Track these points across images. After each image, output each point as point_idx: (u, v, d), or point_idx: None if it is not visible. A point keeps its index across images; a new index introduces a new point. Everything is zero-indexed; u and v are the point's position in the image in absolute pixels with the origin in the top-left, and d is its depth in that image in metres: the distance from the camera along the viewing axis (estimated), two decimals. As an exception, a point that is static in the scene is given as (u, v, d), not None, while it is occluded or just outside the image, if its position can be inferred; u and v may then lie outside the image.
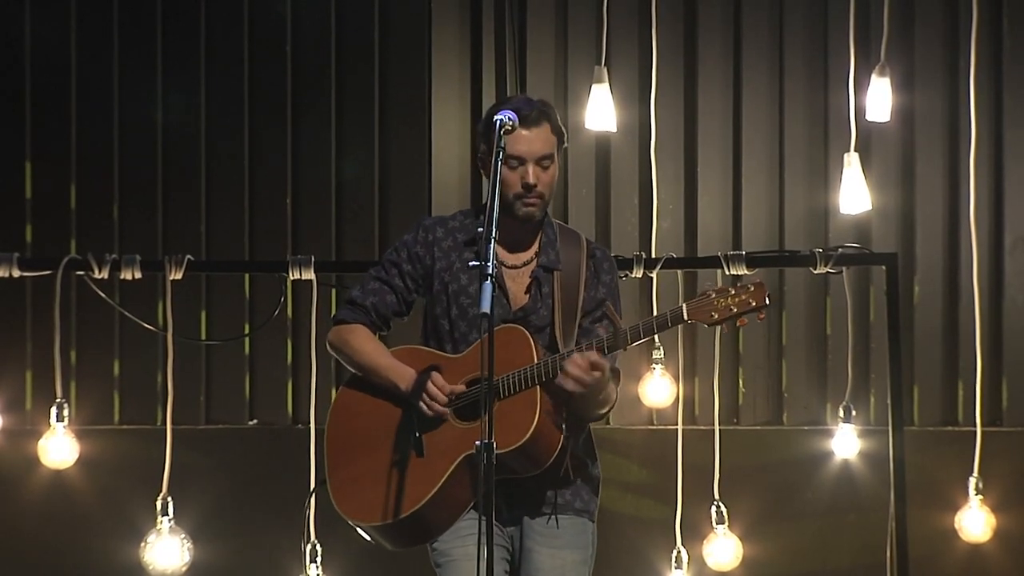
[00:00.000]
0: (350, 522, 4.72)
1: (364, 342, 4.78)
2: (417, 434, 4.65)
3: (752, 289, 4.55)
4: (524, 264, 4.76)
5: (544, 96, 7.10)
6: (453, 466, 4.58)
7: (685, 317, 4.56)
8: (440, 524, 4.66)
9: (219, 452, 6.94)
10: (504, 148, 4.54)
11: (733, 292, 4.56)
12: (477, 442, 4.25)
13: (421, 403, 4.63)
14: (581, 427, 4.74)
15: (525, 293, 4.73)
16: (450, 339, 4.75)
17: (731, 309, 4.54)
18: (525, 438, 4.53)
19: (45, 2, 7.07)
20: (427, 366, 4.69)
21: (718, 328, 4.77)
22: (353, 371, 4.81)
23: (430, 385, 4.63)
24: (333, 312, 7.00)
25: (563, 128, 4.76)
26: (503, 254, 4.73)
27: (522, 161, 4.66)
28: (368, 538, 4.75)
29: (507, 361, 4.58)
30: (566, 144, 4.77)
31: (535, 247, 4.77)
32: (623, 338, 4.57)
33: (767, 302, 4.55)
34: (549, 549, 4.70)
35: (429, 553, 4.76)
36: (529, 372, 4.58)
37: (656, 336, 6.71)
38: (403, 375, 4.69)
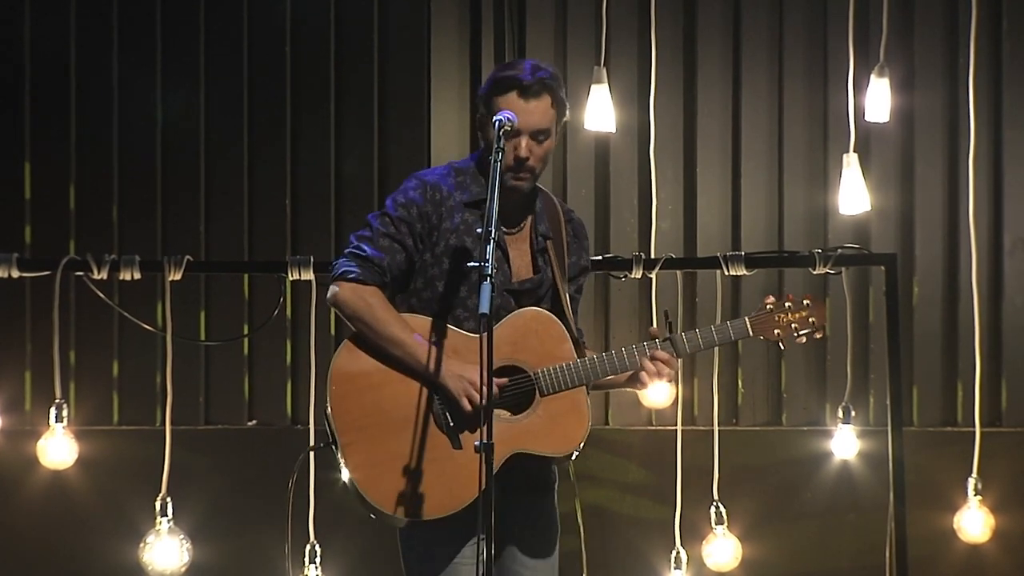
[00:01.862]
0: (376, 507, 4.55)
1: (386, 310, 4.58)
2: (451, 424, 4.55)
3: (811, 306, 4.50)
4: (519, 231, 4.69)
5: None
6: (501, 464, 4.49)
7: (750, 333, 4.54)
8: (470, 515, 4.53)
9: (218, 453, 6.94)
10: (501, 139, 4.46)
11: (791, 306, 4.50)
12: (476, 442, 4.21)
13: (465, 399, 4.51)
14: None
15: (531, 264, 4.67)
16: (443, 301, 4.62)
17: (793, 327, 4.50)
18: (580, 442, 4.52)
19: (45, 2, 7.07)
20: (449, 347, 4.55)
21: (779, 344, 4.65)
22: (364, 334, 4.60)
23: (476, 380, 4.49)
24: (333, 311, 7.04)
25: (566, 101, 4.62)
26: (504, 222, 4.63)
27: (516, 133, 4.54)
28: (374, 517, 4.61)
29: (544, 352, 4.52)
30: (567, 118, 4.65)
31: (532, 215, 4.69)
32: (682, 348, 4.54)
33: (826, 321, 4.52)
34: (536, 528, 4.67)
35: (407, 541, 4.66)
36: (581, 371, 4.52)
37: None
38: (435, 359, 4.53)
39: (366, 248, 4.63)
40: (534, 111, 4.55)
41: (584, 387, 4.54)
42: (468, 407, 4.52)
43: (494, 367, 4.46)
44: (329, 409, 4.60)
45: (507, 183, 4.55)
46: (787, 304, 4.51)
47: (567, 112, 4.65)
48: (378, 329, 4.57)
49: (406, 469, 4.53)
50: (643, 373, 4.55)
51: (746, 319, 4.52)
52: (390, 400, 4.58)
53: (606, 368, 4.54)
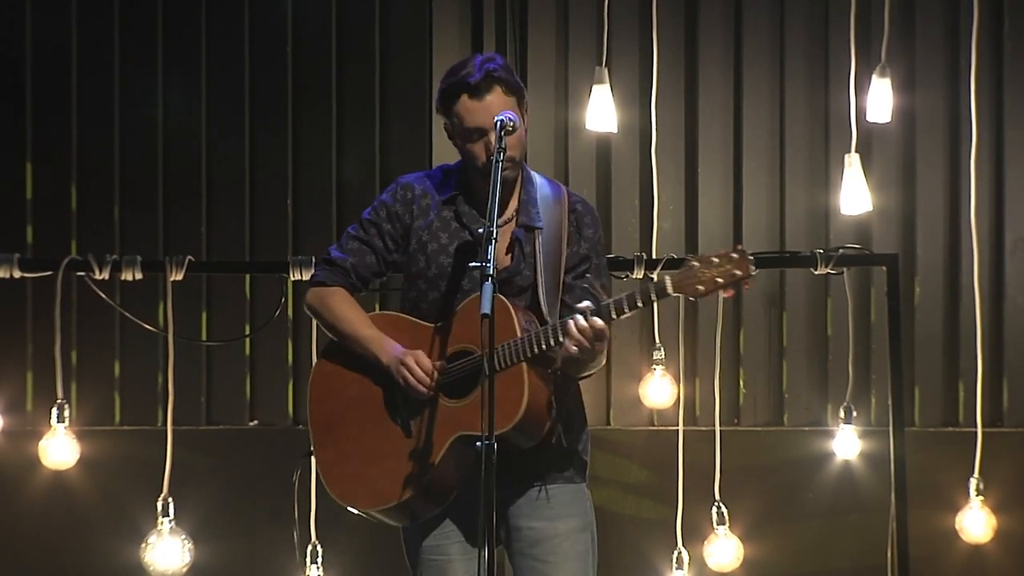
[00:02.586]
0: (338, 501, 4.65)
1: (345, 308, 4.67)
2: (404, 413, 4.58)
3: (736, 258, 4.34)
4: (505, 223, 4.64)
5: (544, 96, 7.14)
6: (444, 448, 4.50)
7: (669, 291, 4.37)
8: (431, 507, 4.59)
9: (220, 453, 6.94)
10: (503, 139, 4.46)
11: (717, 261, 4.34)
12: (477, 443, 4.18)
13: (405, 384, 4.53)
14: (567, 386, 4.63)
15: (506, 254, 4.62)
16: (426, 300, 4.64)
17: (716, 280, 4.33)
18: (519, 416, 4.43)
19: (45, 2, 7.07)
20: (408, 337, 4.58)
21: (713, 301, 4.48)
22: (331, 336, 4.70)
23: (413, 364, 4.52)
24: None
25: (519, 83, 4.60)
26: (483, 214, 4.60)
27: (483, 132, 4.55)
28: (364, 516, 4.67)
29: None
30: (526, 99, 4.62)
31: (514, 205, 4.66)
32: (606, 312, 4.42)
33: (752, 271, 4.35)
34: (541, 522, 4.60)
35: (406, 543, 4.70)
36: (517, 346, 4.45)
37: (657, 336, 6.77)
38: (384, 348, 4.58)
39: (333, 252, 4.73)
40: (489, 107, 4.55)
41: (524, 364, 4.45)
42: (407, 389, 4.53)
43: (447, 353, 4.53)
44: (308, 415, 4.72)
45: (489, 177, 4.51)
46: (714, 259, 4.39)
47: (525, 93, 4.63)
48: (338, 328, 4.67)
49: (362, 463, 4.60)
50: (567, 345, 4.43)
51: (667, 276, 4.38)
52: (356, 398, 4.65)
53: (535, 342, 4.45)
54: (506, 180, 4.55)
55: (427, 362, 4.53)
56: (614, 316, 4.43)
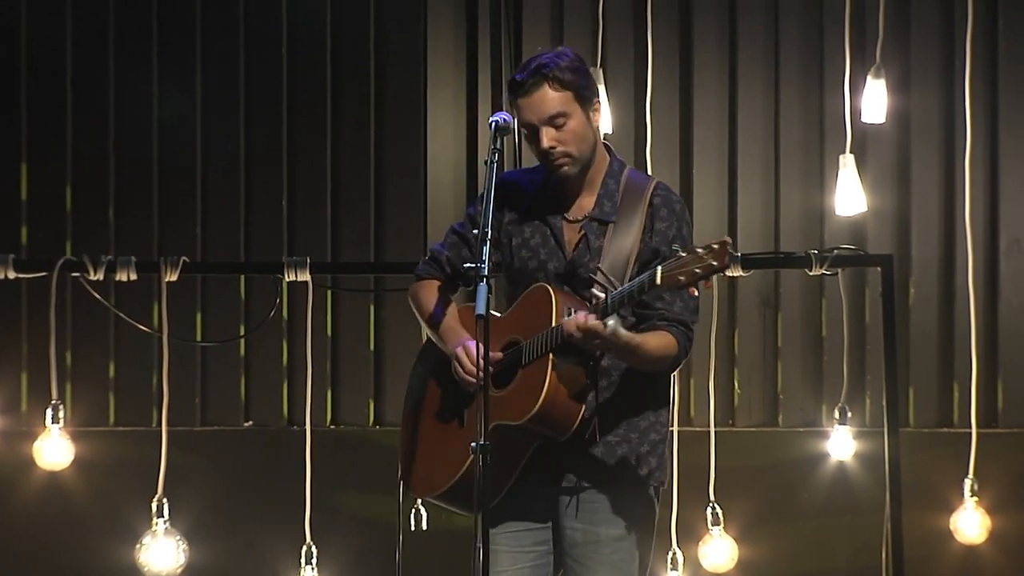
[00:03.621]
0: (411, 495, 4.76)
1: (431, 300, 4.73)
2: (461, 403, 4.63)
3: (716, 249, 4.33)
4: (584, 217, 4.66)
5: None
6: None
7: (658, 282, 4.36)
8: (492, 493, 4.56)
9: (214, 454, 6.94)
10: (496, 139, 4.53)
11: (701, 252, 4.34)
12: (472, 443, 4.21)
13: (455, 374, 4.59)
14: (629, 382, 4.61)
15: (574, 248, 4.64)
16: (512, 293, 4.69)
17: (695, 272, 4.34)
18: (537, 405, 4.43)
19: (41, 3, 7.07)
20: (473, 329, 4.56)
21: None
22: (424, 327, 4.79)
23: (462, 355, 4.56)
24: (330, 313, 7.06)
25: (579, 78, 4.59)
26: (563, 208, 4.66)
27: (533, 128, 4.59)
28: (435, 505, 4.76)
29: (533, 323, 4.51)
30: (589, 92, 4.60)
31: (592, 199, 4.67)
32: (603, 308, 4.43)
33: (728, 263, 4.33)
34: (583, 525, 4.60)
35: None
36: (541, 337, 4.48)
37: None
38: (451, 340, 4.64)
39: (435, 246, 4.81)
40: (536, 103, 4.57)
41: (550, 355, 4.47)
42: (457, 380, 4.60)
43: (502, 343, 4.56)
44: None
45: (553, 172, 4.62)
46: (699, 250, 4.40)
47: (585, 83, 4.61)
48: (423, 319, 4.75)
49: (425, 453, 4.69)
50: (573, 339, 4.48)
51: (659, 267, 4.37)
52: (432, 389, 4.74)
53: (549, 336, 4.48)
54: (565, 176, 4.62)
55: (475, 353, 4.51)
56: (610, 311, 4.43)
